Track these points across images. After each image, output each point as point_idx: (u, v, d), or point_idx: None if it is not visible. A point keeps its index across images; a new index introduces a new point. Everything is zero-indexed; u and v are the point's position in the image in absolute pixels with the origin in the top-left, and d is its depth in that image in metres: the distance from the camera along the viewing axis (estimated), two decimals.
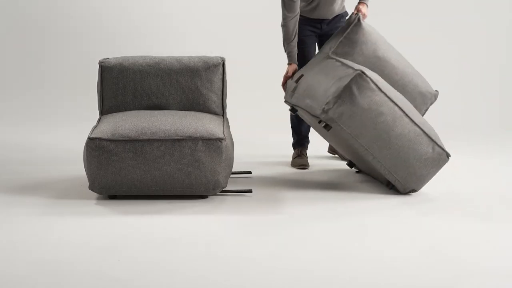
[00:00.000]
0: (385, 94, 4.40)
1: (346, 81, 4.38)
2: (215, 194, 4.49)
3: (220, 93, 4.87)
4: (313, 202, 4.41)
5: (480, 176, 5.12)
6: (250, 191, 4.59)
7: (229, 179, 4.87)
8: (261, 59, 7.03)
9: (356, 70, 4.42)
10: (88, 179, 4.38)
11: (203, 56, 4.91)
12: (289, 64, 5.15)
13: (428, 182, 4.92)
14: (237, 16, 7.22)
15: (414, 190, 4.53)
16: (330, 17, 5.26)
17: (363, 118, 4.38)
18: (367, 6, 5.16)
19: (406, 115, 4.43)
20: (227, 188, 4.65)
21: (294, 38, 5.11)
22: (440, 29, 7.41)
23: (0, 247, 3.64)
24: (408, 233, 3.87)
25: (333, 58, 4.81)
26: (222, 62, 4.87)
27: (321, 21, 5.27)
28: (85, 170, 4.40)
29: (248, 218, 4.15)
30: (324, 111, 4.39)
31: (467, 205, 4.38)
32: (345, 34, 4.92)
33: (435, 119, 6.98)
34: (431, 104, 5.10)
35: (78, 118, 6.67)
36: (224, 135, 4.40)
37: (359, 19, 4.94)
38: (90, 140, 4.34)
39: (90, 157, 4.33)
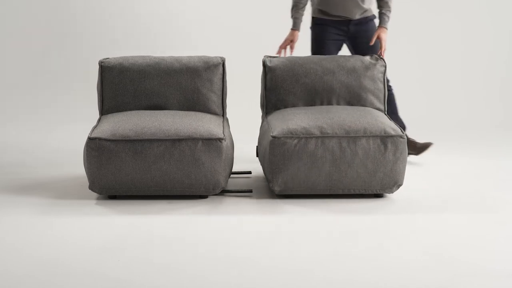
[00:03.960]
0: (305, 133, 4.35)
1: (267, 153, 4.38)
2: (215, 194, 4.49)
3: (220, 93, 4.87)
4: (313, 202, 4.41)
5: (480, 177, 5.11)
6: (250, 191, 4.59)
7: (229, 179, 4.87)
8: (261, 59, 7.03)
9: (270, 135, 4.39)
10: (88, 179, 4.38)
11: (203, 56, 4.91)
12: (291, 29, 5.26)
13: (428, 181, 4.93)
14: (237, 16, 7.22)
15: (400, 184, 4.45)
16: (355, 16, 5.25)
17: (304, 170, 4.35)
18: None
19: (335, 135, 4.34)
20: (227, 188, 4.65)
21: (303, 6, 5.24)
22: (441, 29, 7.41)
23: (0, 247, 3.64)
24: (407, 234, 3.87)
25: (265, 120, 4.84)
26: (222, 62, 4.88)
27: (348, 22, 5.27)
28: (85, 170, 4.40)
29: (248, 218, 4.15)
30: (272, 188, 4.42)
31: (467, 206, 4.38)
32: (265, 87, 4.95)
33: (436, 119, 6.99)
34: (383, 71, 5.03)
35: (78, 118, 6.66)
36: (224, 135, 4.40)
37: (264, 63, 4.97)
38: (90, 140, 4.34)
39: (90, 157, 4.33)
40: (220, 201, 4.46)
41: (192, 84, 4.81)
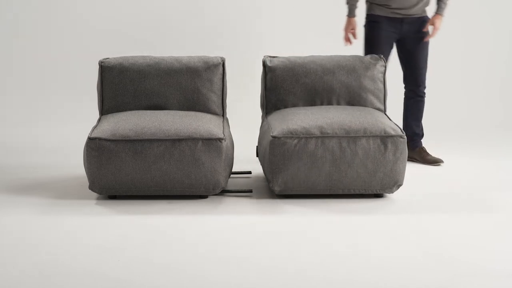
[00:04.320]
0: (305, 133, 4.34)
1: (267, 153, 4.38)
2: (215, 194, 4.49)
3: (220, 93, 4.87)
4: (313, 202, 4.41)
5: (480, 177, 5.11)
6: (250, 191, 4.59)
7: (229, 179, 4.87)
8: (261, 59, 7.03)
9: (270, 135, 4.39)
10: (88, 179, 4.38)
11: (203, 56, 4.91)
12: (347, 16, 5.32)
13: (428, 181, 4.93)
14: (237, 16, 7.22)
15: (400, 184, 4.45)
16: (410, 12, 5.26)
17: (304, 170, 4.34)
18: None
19: (335, 135, 4.34)
20: (227, 188, 4.65)
21: None
22: (441, 29, 7.40)
23: (0, 247, 3.64)
24: (407, 234, 3.87)
25: (265, 120, 4.83)
26: (222, 62, 4.87)
27: (401, 20, 5.27)
28: (85, 170, 4.40)
29: (248, 218, 4.15)
30: (272, 188, 4.42)
31: (467, 206, 4.38)
32: (265, 87, 4.95)
33: (436, 119, 6.98)
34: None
35: (78, 118, 6.66)
36: (224, 135, 4.40)
37: (264, 63, 4.96)
38: (90, 140, 4.34)
39: (90, 157, 4.33)
40: (220, 201, 4.46)
41: (192, 84, 4.81)
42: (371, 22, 5.34)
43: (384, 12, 5.29)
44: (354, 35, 5.37)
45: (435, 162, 5.38)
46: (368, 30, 5.37)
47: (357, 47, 5.58)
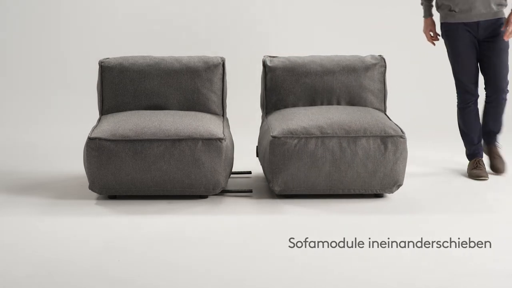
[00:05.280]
0: (305, 133, 4.34)
1: (267, 153, 4.38)
2: (215, 194, 4.49)
3: (220, 93, 4.87)
4: (313, 202, 4.41)
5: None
6: (250, 191, 4.59)
7: (229, 179, 4.87)
8: (261, 59, 7.04)
9: (270, 135, 4.39)
10: (88, 179, 4.38)
11: (203, 56, 4.91)
12: (424, 17, 5.21)
13: (428, 181, 4.92)
14: (237, 16, 7.23)
15: (400, 184, 4.45)
16: (486, 16, 4.92)
17: (304, 170, 4.35)
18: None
19: (335, 135, 4.34)
20: (227, 188, 4.65)
21: None
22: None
23: (0, 247, 3.64)
24: (407, 234, 3.87)
25: (265, 120, 4.83)
26: (222, 62, 4.87)
27: (477, 23, 4.92)
28: (85, 170, 4.40)
29: (248, 218, 4.16)
30: (272, 188, 4.42)
31: (467, 206, 4.38)
32: (265, 87, 4.94)
33: (436, 119, 6.99)
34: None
35: (78, 118, 6.67)
36: (224, 135, 4.40)
37: (264, 63, 4.95)
38: (90, 140, 4.34)
39: (90, 157, 4.33)
40: (220, 201, 4.46)
41: (192, 84, 4.81)
42: (446, 31, 5.07)
43: (457, 19, 4.98)
44: (434, 34, 5.18)
45: (496, 171, 5.03)
46: (445, 41, 5.12)
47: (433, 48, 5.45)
